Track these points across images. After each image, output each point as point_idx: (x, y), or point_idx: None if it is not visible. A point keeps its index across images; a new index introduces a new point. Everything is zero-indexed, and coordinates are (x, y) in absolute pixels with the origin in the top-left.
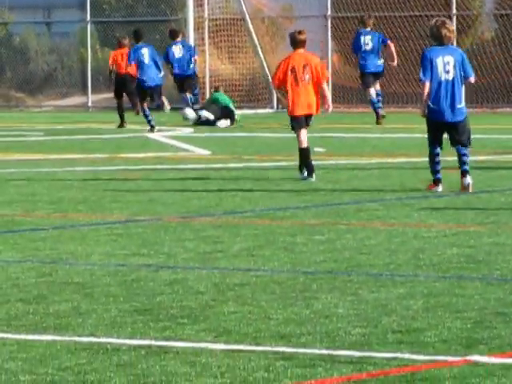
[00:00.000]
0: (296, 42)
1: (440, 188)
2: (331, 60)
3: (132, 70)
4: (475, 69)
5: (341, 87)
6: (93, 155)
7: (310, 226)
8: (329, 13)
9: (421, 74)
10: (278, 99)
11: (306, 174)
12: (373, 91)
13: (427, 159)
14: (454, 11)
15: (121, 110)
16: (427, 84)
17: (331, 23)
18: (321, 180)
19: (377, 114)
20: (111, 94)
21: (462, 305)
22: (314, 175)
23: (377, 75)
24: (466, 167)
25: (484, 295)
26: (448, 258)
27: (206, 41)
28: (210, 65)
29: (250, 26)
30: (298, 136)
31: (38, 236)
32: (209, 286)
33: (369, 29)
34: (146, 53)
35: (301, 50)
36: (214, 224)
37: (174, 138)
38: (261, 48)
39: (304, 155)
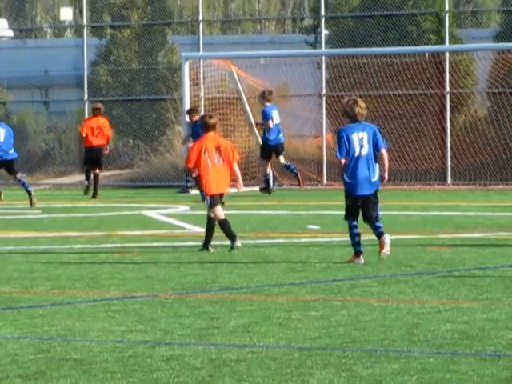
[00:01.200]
0: (207, 126)
1: (362, 260)
2: (325, 138)
3: None
4: (468, 146)
5: (334, 165)
6: (90, 233)
7: (305, 302)
8: (323, 92)
9: (337, 153)
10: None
11: (236, 243)
12: None
13: (421, 236)
14: (448, 89)
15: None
16: (343, 161)
17: (326, 102)
18: (315, 257)
19: None
20: (109, 172)
21: (456, 381)
22: (237, 239)
23: None
24: (381, 230)
25: (478, 371)
26: (442, 333)
27: None
28: None
29: (246, 104)
30: (215, 211)
31: (36, 312)
32: (205, 361)
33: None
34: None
35: (212, 133)
36: (210, 300)
37: (170, 216)
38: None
39: (225, 226)
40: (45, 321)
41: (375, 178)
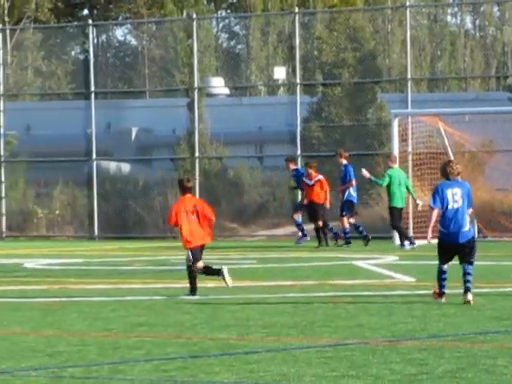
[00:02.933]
0: (185, 189)
1: (443, 299)
2: None
3: None
4: None
5: None
6: (303, 282)
7: (511, 349)
8: None
9: (431, 202)
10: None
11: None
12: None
13: None
14: None
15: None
16: (435, 212)
17: None
18: None
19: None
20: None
21: None
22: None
23: None
24: (469, 285)
25: None
26: None
27: (410, 173)
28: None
29: (452, 159)
30: (196, 263)
31: (252, 358)
32: None
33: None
34: None
35: (189, 195)
36: (419, 347)
37: (379, 266)
38: None
39: (207, 271)
40: (260, 366)
41: (466, 228)
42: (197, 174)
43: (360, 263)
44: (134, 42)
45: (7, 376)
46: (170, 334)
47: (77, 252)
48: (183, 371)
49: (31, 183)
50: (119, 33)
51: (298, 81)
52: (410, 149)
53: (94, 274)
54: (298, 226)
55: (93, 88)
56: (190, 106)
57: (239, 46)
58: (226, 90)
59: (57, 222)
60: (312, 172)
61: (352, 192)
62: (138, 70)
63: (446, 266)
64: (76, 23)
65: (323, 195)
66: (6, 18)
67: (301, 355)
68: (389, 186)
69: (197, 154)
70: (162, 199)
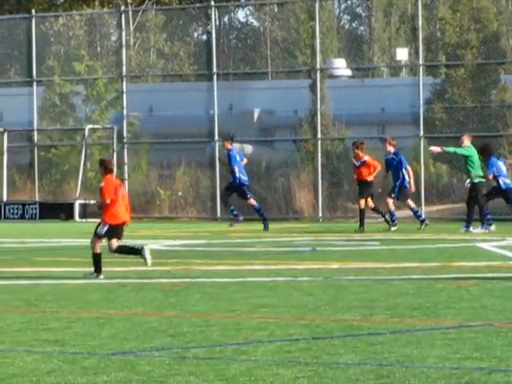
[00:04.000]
0: (109, 169)
1: None
2: None
3: None
4: None
5: None
6: (426, 264)
7: None
8: None
9: None
10: None
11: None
12: None
13: None
14: None
15: None
16: None
17: None
18: None
19: None
20: (443, 206)
21: None
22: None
23: None
24: None
25: None
26: None
27: None
28: None
29: None
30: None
31: (375, 340)
32: None
33: None
34: None
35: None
36: None
37: (503, 248)
38: None
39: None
40: (384, 348)
41: None
42: (319, 155)
43: (483, 245)
44: (255, 23)
45: (130, 356)
46: (292, 316)
47: (199, 233)
48: (306, 352)
49: (154, 165)
50: (241, 14)
51: (421, 62)
52: None
53: (217, 256)
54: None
55: (215, 69)
56: (312, 88)
57: (361, 28)
58: (348, 72)
59: (179, 204)
60: (359, 153)
61: (406, 177)
62: (259, 51)
63: None
64: (198, 5)
65: (367, 172)
66: (129, 0)
67: (424, 337)
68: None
69: (319, 136)
70: (285, 180)
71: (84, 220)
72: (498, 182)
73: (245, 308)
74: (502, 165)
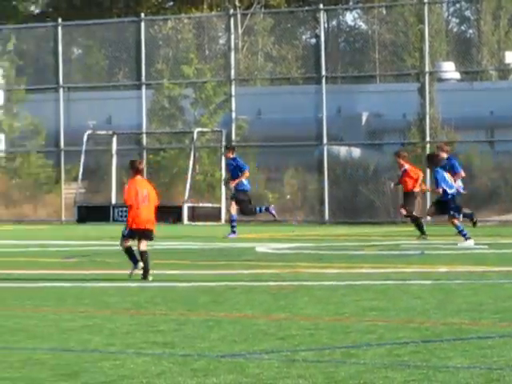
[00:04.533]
0: (137, 170)
1: None
2: None
3: None
4: None
5: None
6: None
7: None
8: None
9: None
10: None
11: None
12: None
13: None
14: None
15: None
16: None
17: None
18: None
19: None
20: None
21: None
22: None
23: None
24: None
25: None
26: None
27: None
28: None
29: None
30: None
31: (485, 343)
32: None
33: None
34: None
35: (139, 177)
36: None
37: None
38: None
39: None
40: (494, 352)
41: None
42: None
43: None
44: (363, 26)
45: (240, 359)
46: (401, 319)
47: (307, 236)
48: (416, 355)
49: (262, 168)
50: (349, 17)
51: None
52: None
53: (325, 259)
54: None
55: (324, 72)
56: (421, 91)
57: (470, 31)
58: (457, 75)
59: (287, 207)
60: (400, 161)
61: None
62: (368, 54)
63: None
64: (307, 8)
65: (411, 183)
66: (237, 3)
67: None
68: None
69: (427, 139)
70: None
71: (192, 223)
72: None
73: (354, 311)
74: None
